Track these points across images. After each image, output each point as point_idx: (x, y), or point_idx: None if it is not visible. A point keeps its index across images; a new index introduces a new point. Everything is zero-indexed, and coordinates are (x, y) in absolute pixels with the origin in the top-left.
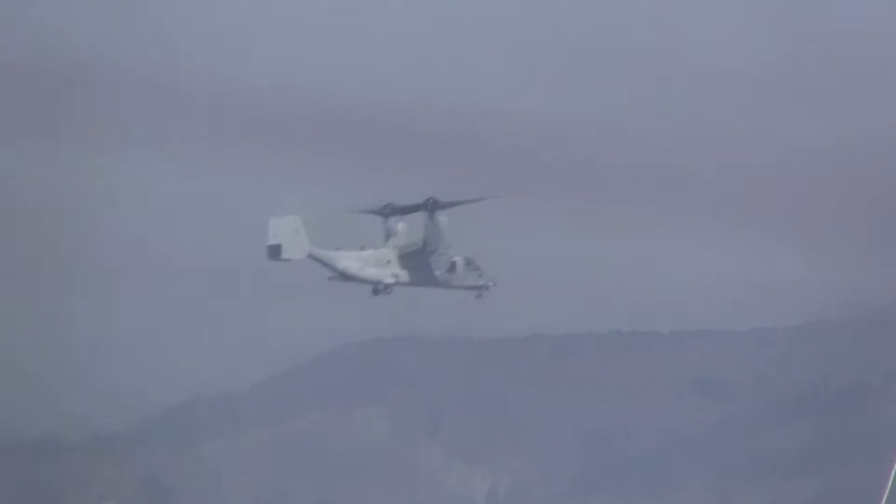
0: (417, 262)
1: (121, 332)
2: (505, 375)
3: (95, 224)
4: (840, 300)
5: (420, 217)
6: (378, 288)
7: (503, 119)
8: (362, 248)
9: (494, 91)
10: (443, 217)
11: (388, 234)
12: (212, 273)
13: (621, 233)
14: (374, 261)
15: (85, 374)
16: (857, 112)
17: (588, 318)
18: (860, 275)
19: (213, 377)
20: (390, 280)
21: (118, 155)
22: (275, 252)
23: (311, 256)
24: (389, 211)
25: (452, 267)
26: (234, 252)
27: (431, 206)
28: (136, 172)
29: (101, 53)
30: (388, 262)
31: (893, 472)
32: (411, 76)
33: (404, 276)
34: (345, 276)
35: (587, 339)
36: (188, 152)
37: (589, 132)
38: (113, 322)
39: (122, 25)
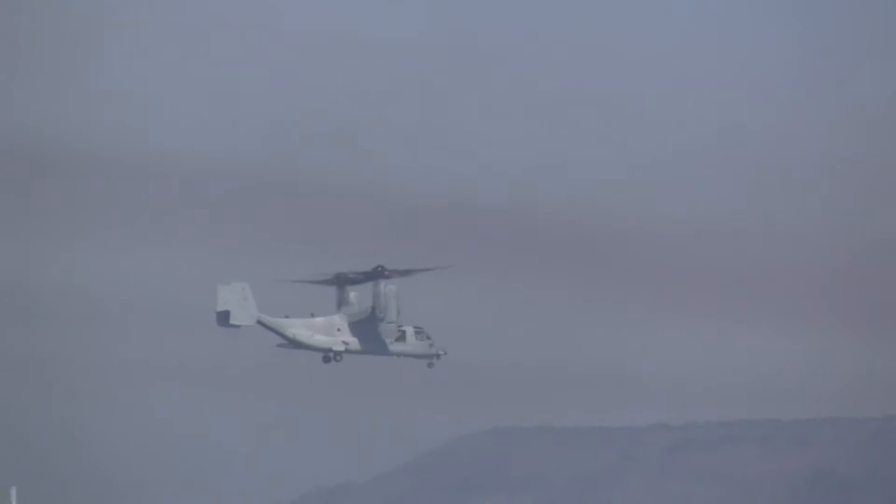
0: (367, 329)
1: (242, 422)
2: (626, 467)
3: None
4: None
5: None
6: (328, 356)
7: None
8: (312, 316)
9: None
10: (391, 285)
11: (340, 303)
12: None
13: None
14: (325, 328)
15: (204, 471)
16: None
17: (704, 408)
18: None
19: (331, 469)
20: (340, 347)
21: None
22: (223, 318)
23: (259, 323)
24: (340, 280)
25: (402, 336)
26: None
27: (379, 274)
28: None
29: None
30: (339, 330)
31: None
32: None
33: (355, 343)
34: (295, 344)
35: (708, 430)
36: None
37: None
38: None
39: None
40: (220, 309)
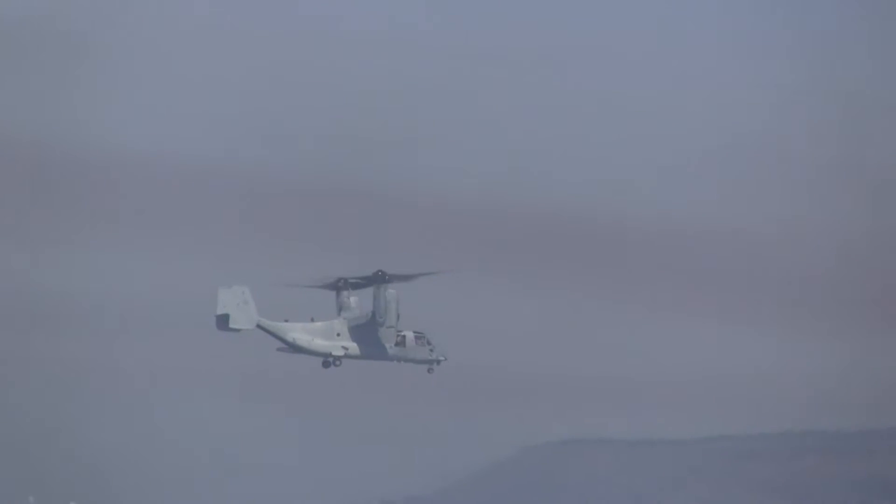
0: (367, 334)
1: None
2: (689, 477)
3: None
4: None
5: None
6: (328, 360)
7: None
8: (312, 320)
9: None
10: (391, 290)
11: (341, 308)
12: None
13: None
14: (324, 333)
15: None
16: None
17: (765, 417)
18: None
19: (397, 484)
20: (339, 352)
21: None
22: (223, 322)
23: (259, 327)
24: (341, 285)
25: (402, 341)
26: None
27: (380, 279)
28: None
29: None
30: (339, 335)
31: None
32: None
33: (354, 348)
34: (294, 348)
35: (773, 440)
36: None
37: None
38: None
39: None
40: (219, 312)
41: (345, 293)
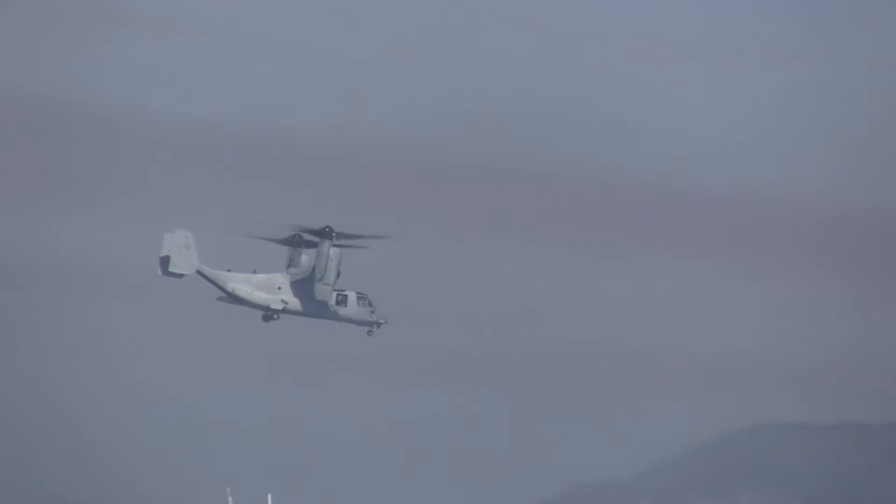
0: (308, 290)
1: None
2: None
3: None
4: None
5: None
6: (268, 314)
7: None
8: (255, 272)
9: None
10: (335, 247)
11: (290, 263)
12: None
13: None
14: (265, 285)
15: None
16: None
17: None
18: None
19: (596, 465)
20: (278, 306)
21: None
22: (164, 265)
23: (199, 273)
24: (296, 241)
25: (344, 300)
26: None
27: (327, 235)
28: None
29: None
30: (279, 288)
31: None
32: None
33: (295, 303)
34: (234, 298)
35: None
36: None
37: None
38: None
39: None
40: (162, 255)
41: (296, 249)
